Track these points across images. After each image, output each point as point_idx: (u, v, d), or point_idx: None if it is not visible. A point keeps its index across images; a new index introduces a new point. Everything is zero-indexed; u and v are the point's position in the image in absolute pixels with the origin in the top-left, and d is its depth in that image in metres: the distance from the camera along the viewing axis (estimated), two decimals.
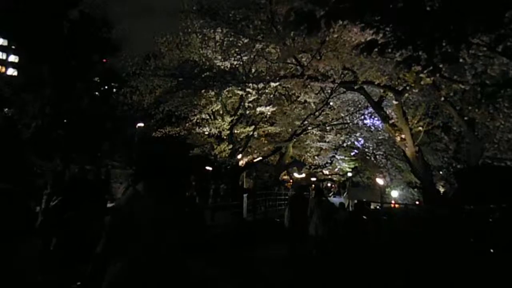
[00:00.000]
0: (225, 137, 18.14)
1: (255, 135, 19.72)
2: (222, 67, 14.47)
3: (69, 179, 6.78)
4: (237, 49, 13.18)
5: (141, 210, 2.08)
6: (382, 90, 12.43)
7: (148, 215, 2.08)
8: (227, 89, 14.93)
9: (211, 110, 17.53)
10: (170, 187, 2.25)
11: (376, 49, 3.13)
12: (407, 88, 10.91)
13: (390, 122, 12.57)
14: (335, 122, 20.97)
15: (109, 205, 7.37)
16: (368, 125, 20.60)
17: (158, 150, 2.46)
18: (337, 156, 28.44)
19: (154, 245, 2.06)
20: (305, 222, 7.47)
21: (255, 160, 20.94)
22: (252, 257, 8.03)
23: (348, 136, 23.38)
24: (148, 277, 2.00)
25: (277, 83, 14.73)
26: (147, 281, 1.99)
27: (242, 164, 19.77)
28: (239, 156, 18.98)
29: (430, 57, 3.17)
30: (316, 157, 26.73)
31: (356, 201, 14.56)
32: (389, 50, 3.23)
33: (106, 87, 29.99)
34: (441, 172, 15.96)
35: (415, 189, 21.00)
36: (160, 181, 2.20)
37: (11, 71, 38.09)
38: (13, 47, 39.79)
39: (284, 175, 30.43)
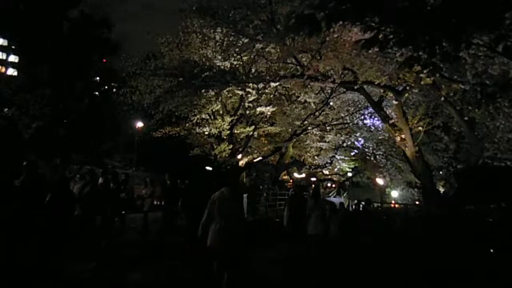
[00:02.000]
0: (225, 137, 18.12)
1: (255, 135, 19.70)
2: (222, 67, 14.45)
3: (59, 178, 6.78)
4: (237, 49, 13.17)
5: (225, 199, 4.58)
6: (382, 90, 12.43)
7: (228, 201, 4.59)
8: (227, 89, 14.91)
9: (211, 110, 17.51)
10: (236, 189, 5.08)
11: (376, 48, 3.13)
12: (407, 88, 10.90)
13: (390, 122, 12.56)
14: (335, 122, 20.96)
15: None
16: (368, 125, 20.60)
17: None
18: (337, 156, 28.43)
19: (231, 216, 4.56)
20: (304, 222, 7.47)
21: (255, 160, 20.92)
22: (252, 257, 8.02)
23: (348, 136, 23.39)
24: (229, 232, 4.47)
25: (277, 83, 14.71)
26: (230, 235, 4.46)
27: (242, 164, 19.76)
28: (239, 156, 18.96)
29: (430, 56, 3.17)
30: (316, 157, 26.71)
31: (356, 201, 14.55)
32: (389, 47, 3.23)
33: (106, 87, 29.96)
34: (441, 172, 15.96)
35: (415, 189, 21.00)
36: (233, 187, 4.91)
37: (11, 71, 38.01)
38: (13, 47, 39.74)
39: (284, 175, 30.43)
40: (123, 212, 9.13)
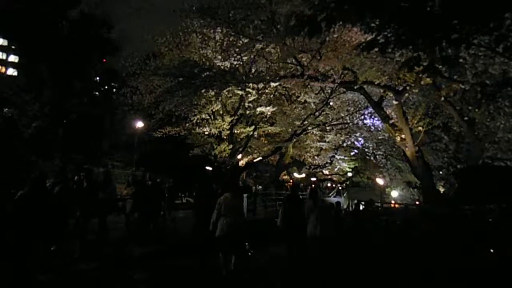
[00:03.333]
0: (225, 137, 18.11)
1: (255, 135, 19.70)
2: (222, 67, 14.44)
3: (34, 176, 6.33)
4: (237, 49, 13.16)
5: (229, 201, 6.00)
6: (382, 90, 12.43)
7: (231, 203, 6.01)
8: (227, 89, 14.90)
9: (211, 110, 17.51)
10: (236, 193, 6.44)
11: (376, 49, 3.13)
12: (407, 88, 10.90)
13: (390, 122, 12.56)
14: (335, 122, 20.95)
15: None
16: (368, 125, 20.59)
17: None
18: (337, 156, 28.43)
19: (234, 213, 5.95)
20: (300, 222, 7.51)
21: (255, 160, 20.93)
22: (253, 257, 8.03)
23: (348, 136, 23.37)
24: (233, 225, 5.86)
25: (277, 83, 14.71)
26: (233, 227, 5.85)
27: (242, 164, 19.76)
28: (239, 156, 18.96)
29: (430, 58, 3.16)
30: (316, 157, 26.71)
31: (356, 201, 14.57)
32: (390, 49, 3.23)
33: (106, 87, 29.97)
34: (441, 172, 15.93)
35: (415, 189, 20.97)
36: (234, 192, 6.31)
37: (11, 71, 38.05)
38: (13, 47, 39.72)
39: (284, 175, 30.43)
40: (106, 214, 8.17)
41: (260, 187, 22.82)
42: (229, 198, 6.07)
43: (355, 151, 27.01)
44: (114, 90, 26.77)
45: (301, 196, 10.01)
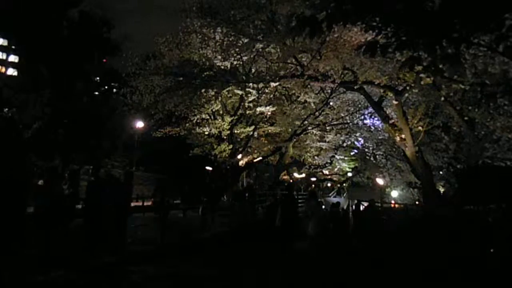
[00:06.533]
0: (225, 137, 18.11)
1: (255, 135, 19.70)
2: (222, 67, 14.45)
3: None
4: (237, 49, 13.16)
5: (238, 207, 11.46)
6: (382, 90, 12.42)
7: (239, 208, 11.49)
8: (227, 89, 14.91)
9: (211, 110, 17.51)
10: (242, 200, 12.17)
11: (378, 50, 3.13)
12: (407, 88, 10.90)
13: (390, 122, 12.57)
14: (335, 122, 20.96)
15: None
16: (368, 125, 20.60)
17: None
18: (337, 156, 28.42)
19: (241, 215, 11.12)
20: (294, 221, 7.95)
21: (255, 160, 20.93)
22: (254, 255, 8.06)
23: (348, 136, 23.37)
24: (237, 222, 11.06)
25: (277, 83, 14.72)
26: (238, 223, 10.99)
27: (242, 164, 19.76)
28: (239, 156, 18.96)
29: (432, 58, 3.16)
30: (316, 157, 26.69)
31: (356, 201, 14.56)
32: (390, 50, 3.23)
33: (106, 87, 29.91)
34: (441, 172, 15.93)
35: (415, 189, 20.97)
36: (241, 200, 12.21)
37: (11, 71, 38.07)
38: (13, 47, 39.72)
39: (284, 175, 30.41)
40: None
41: (258, 187, 22.79)
42: (237, 204, 8.93)
43: (355, 151, 27.00)
44: (114, 90, 26.75)
45: (296, 196, 10.76)
